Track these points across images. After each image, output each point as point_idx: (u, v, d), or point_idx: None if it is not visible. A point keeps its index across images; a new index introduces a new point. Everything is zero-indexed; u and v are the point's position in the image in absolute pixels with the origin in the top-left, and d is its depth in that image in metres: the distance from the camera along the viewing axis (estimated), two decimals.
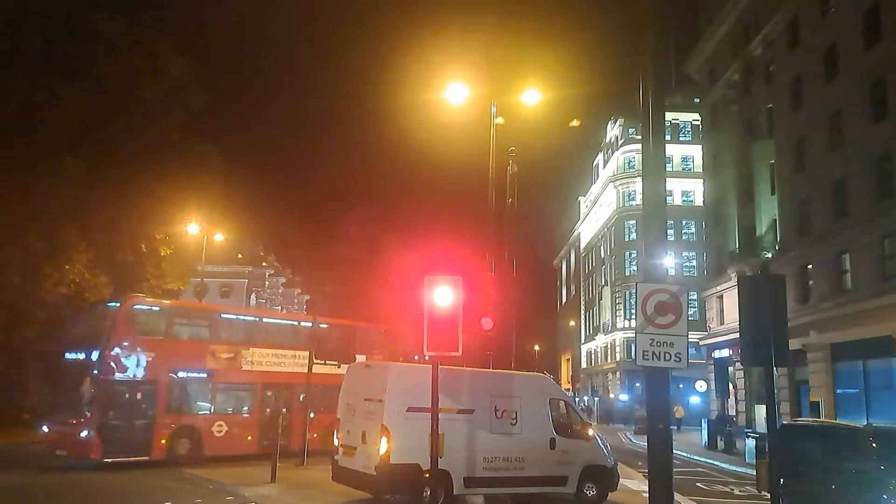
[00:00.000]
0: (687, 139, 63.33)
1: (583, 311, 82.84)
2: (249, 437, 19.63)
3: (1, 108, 22.87)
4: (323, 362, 18.72)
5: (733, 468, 22.38)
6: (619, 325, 65.94)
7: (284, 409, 18.03)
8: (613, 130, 71.94)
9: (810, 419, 21.43)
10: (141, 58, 26.70)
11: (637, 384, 56.18)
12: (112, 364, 17.14)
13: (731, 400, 37.74)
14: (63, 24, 25.27)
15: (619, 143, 69.48)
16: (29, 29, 24.06)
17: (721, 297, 38.33)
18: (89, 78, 25.20)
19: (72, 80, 24.44)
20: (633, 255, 63.87)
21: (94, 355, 17.21)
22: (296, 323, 23.66)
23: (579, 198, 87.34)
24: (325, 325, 22.42)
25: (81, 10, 26.06)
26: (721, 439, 28.40)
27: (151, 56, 27.17)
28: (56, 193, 23.38)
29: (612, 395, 64.40)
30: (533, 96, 18.57)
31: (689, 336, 7.81)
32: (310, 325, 22.64)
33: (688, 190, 62.14)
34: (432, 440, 9.60)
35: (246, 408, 20.11)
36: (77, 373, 17.43)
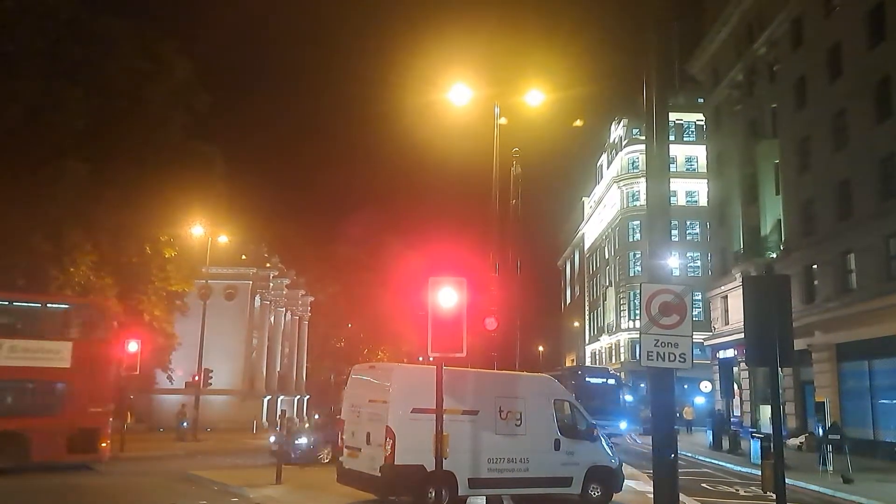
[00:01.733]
0: (691, 139, 63.21)
1: (587, 312, 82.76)
2: None
3: (5, 111, 22.95)
4: None
5: (738, 469, 22.31)
6: (624, 325, 65.86)
7: (284, 411, 17.15)
8: (617, 131, 71.87)
9: None
10: (145, 60, 26.76)
11: (642, 385, 56.07)
12: None
13: (736, 400, 37.66)
14: (67, 27, 25.35)
15: (623, 143, 69.40)
16: (33, 31, 24.13)
17: (726, 297, 38.25)
18: (93, 80, 25.27)
19: (76, 82, 24.50)
20: (637, 256, 63.81)
21: None
22: None
23: (583, 198, 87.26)
24: None
25: (85, 12, 26.14)
26: (726, 440, 28.32)
27: (156, 58, 27.22)
28: (61, 196, 23.44)
29: None
30: (536, 97, 18.53)
31: (694, 336, 7.80)
32: None
33: (692, 190, 62.03)
34: (437, 441, 9.61)
35: None
36: None
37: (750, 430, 30.44)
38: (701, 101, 48.54)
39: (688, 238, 61.31)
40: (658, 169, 8.12)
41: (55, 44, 24.76)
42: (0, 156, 22.54)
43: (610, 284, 71.04)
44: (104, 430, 18.12)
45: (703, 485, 17.92)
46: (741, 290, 8.40)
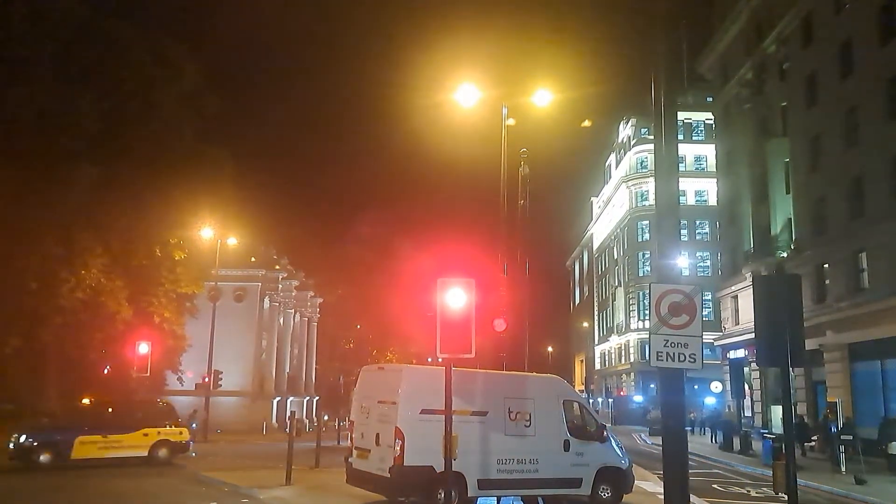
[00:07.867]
0: (700, 138, 62.94)
1: (596, 312, 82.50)
2: None
3: (17, 115, 23.16)
4: None
5: (749, 469, 22.19)
6: (633, 325, 65.64)
7: (294, 412, 16.89)
8: (625, 130, 71.65)
9: None
10: (155, 64, 26.94)
11: (651, 385, 55.85)
12: None
13: (747, 401, 37.44)
14: (78, 31, 25.55)
15: (632, 143, 69.19)
16: (44, 36, 24.35)
17: (736, 297, 38.02)
18: (104, 84, 25.47)
19: (87, 86, 24.70)
20: (646, 256, 63.56)
21: None
22: None
23: (592, 198, 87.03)
24: None
25: (96, 17, 26.34)
26: (737, 440, 28.14)
27: (165, 62, 27.41)
28: (72, 199, 23.63)
29: (623, 393, 64.08)
30: (544, 97, 18.47)
31: (704, 337, 7.76)
32: None
33: (701, 189, 61.75)
34: (446, 442, 9.59)
35: None
36: None
37: (761, 430, 30.23)
38: (710, 99, 48.28)
39: (697, 238, 61.03)
40: (667, 168, 8.08)
41: (66, 48, 24.96)
42: (12, 159, 22.75)
43: (619, 284, 70.84)
44: None
45: (714, 486, 17.82)
46: (751, 289, 8.34)
